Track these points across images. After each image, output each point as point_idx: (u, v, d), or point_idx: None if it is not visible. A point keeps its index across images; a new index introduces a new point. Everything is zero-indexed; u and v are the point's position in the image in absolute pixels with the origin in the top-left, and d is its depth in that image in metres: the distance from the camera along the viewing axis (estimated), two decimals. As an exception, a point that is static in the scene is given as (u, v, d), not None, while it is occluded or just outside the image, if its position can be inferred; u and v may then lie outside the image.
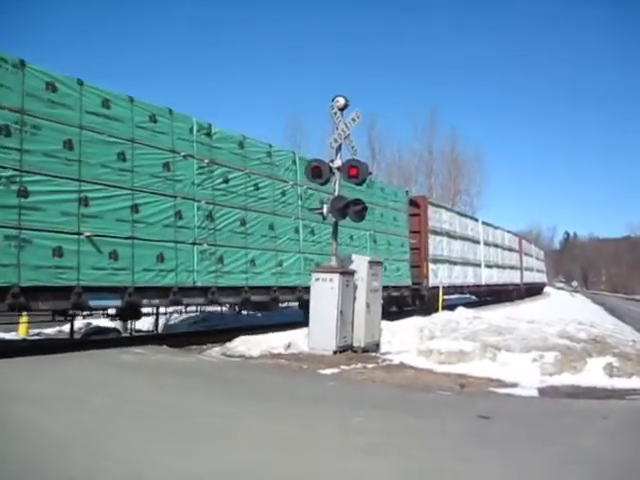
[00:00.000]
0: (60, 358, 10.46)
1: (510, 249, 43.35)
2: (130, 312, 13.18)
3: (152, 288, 12.22)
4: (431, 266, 25.93)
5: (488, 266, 36.91)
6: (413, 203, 26.13)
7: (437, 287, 26.08)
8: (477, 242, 34.81)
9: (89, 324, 14.02)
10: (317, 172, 13.06)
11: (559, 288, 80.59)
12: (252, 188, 15.33)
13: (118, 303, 11.64)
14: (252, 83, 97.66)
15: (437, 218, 27.33)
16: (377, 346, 12.61)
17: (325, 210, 11.26)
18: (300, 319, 16.77)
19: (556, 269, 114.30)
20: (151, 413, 6.73)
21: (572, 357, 10.58)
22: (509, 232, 43.68)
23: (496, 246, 39.00)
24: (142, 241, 12.12)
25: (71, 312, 12.83)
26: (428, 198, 27.65)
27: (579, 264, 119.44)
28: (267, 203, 15.72)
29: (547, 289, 60.51)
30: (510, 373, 10.38)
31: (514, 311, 22.39)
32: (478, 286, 33.05)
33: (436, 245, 26.87)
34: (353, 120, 11.51)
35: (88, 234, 11.21)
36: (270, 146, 15.88)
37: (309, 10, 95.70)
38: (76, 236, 11.00)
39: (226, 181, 14.54)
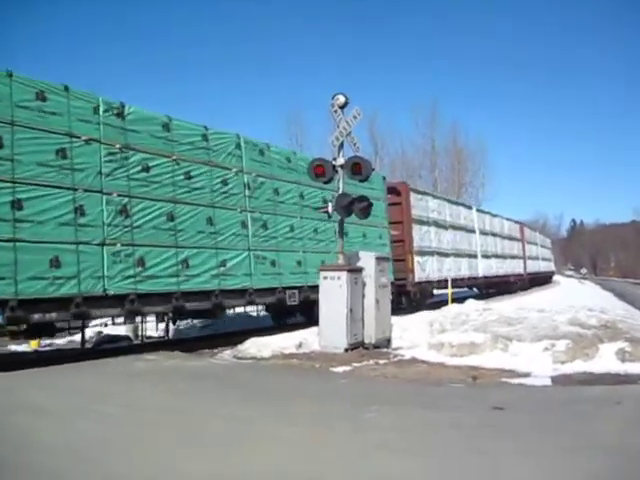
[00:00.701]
0: (71, 368, 10.46)
1: (510, 238, 42.20)
2: (35, 329, 11.97)
3: (45, 300, 10.32)
4: (417, 259, 24.16)
5: (485, 256, 35.34)
6: (393, 191, 24.23)
7: (427, 282, 24.99)
8: (472, 231, 33.20)
9: (100, 333, 13.86)
10: (320, 171, 13.01)
11: (568, 276, 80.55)
12: (182, 177, 13.56)
13: (-3, 319, 7.21)
14: (250, 82, 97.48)
15: (422, 206, 25.47)
16: (388, 342, 12.60)
17: (330, 208, 11.23)
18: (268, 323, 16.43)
19: (565, 257, 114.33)
20: (165, 419, 6.75)
21: (583, 344, 10.52)
22: (509, 220, 42.97)
23: (494, 235, 37.61)
24: (28, 243, 10.13)
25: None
26: (410, 184, 26.03)
27: (587, 251, 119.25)
28: (203, 194, 14.11)
29: (556, 277, 59.89)
30: (522, 363, 10.39)
31: (523, 301, 21.95)
32: (475, 278, 31.74)
33: (422, 236, 25.28)
34: (354, 117, 11.55)
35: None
36: (206, 128, 14.30)
37: (306, 6, 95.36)
38: None
39: (146, 169, 12.62)
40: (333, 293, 12.14)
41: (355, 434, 6.00)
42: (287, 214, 16.76)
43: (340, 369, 10.36)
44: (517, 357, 10.26)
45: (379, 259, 12.81)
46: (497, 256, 37.37)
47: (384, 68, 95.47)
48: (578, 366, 10.20)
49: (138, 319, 15.40)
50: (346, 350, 11.74)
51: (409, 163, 57.51)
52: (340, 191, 12.68)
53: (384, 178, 21.68)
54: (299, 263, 16.91)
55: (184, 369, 10.55)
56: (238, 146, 15.52)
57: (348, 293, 11.91)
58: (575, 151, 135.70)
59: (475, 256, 32.57)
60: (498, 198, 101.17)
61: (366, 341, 12.28)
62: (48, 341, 14.99)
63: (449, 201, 30.23)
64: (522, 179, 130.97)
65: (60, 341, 15.27)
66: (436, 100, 62.40)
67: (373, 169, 12.95)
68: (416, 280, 23.55)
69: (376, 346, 12.21)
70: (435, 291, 28.53)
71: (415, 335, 11.74)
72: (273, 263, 15.86)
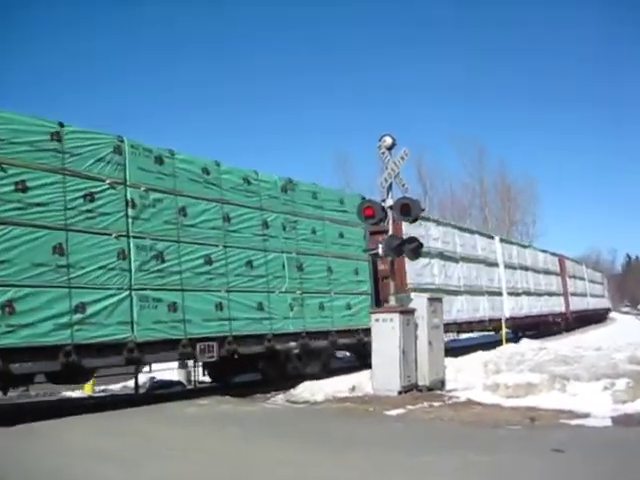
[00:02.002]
0: (127, 413, 11.74)
1: (547, 272, 39.66)
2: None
3: None
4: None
5: (513, 294, 31.94)
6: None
7: None
8: (494, 265, 30.54)
9: (153, 378, 14.10)
10: (370, 213, 14.33)
11: (624, 312, 78.46)
12: (10, 189, 10.88)
13: None
14: (293, 121, 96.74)
15: (421, 234, 21.29)
16: (442, 383, 13.98)
17: (381, 250, 11.17)
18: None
19: (620, 293, 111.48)
20: (220, 463, 7.57)
21: (645, 383, 10.08)
22: (545, 252, 41.72)
23: (525, 269, 35.03)
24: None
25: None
26: None
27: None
28: (49, 212, 11.30)
29: (613, 314, 57.68)
30: (581, 403, 10.98)
31: (578, 339, 21.38)
32: (498, 320, 28.42)
33: (420, 270, 21.87)
34: (402, 158, 12.73)
35: None
36: (61, 125, 11.89)
37: (348, 40, 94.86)
38: None
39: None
40: (385, 335, 13.15)
41: (413, 478, 6.60)
42: (200, 242, 14.08)
43: (394, 412, 11.21)
44: (575, 397, 11.85)
45: (431, 300, 14.46)
46: (529, 293, 34.91)
47: (428, 105, 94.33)
48: (640, 405, 12.04)
49: (190, 364, 16.31)
50: (399, 393, 12.81)
51: (458, 202, 62.54)
52: (389, 233, 14.47)
53: (363, 198, 18.66)
54: (219, 306, 14.09)
55: (237, 414, 11.75)
56: (118, 150, 12.77)
57: (401, 335, 13.03)
58: (627, 184, 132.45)
59: (499, 294, 30.00)
60: (550, 234, 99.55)
61: (420, 383, 13.45)
62: (102, 387, 17.42)
63: (460, 229, 28.24)
64: (574, 214, 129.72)
65: (114, 387, 17.53)
66: (482, 139, 61.85)
67: (423, 209, 12.85)
68: None
69: (430, 388, 13.44)
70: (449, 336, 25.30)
71: (469, 376, 12.43)
72: (173, 307, 13.10)
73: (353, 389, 13.64)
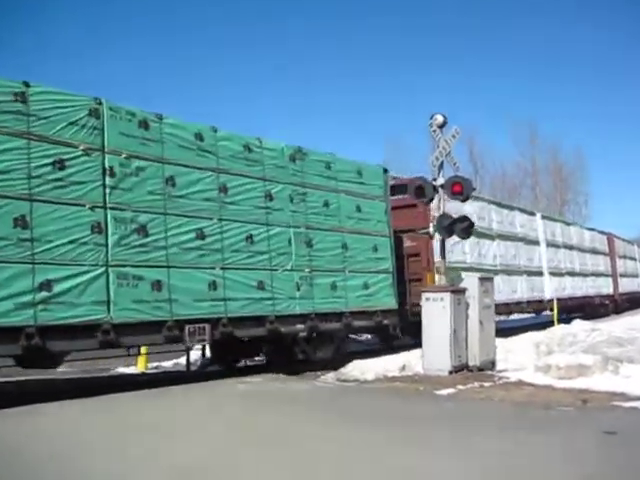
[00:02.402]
0: (180, 390, 12.04)
1: (594, 251, 37.44)
2: None
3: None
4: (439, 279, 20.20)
5: (556, 274, 29.98)
6: (407, 189, 19.60)
7: None
8: (535, 243, 28.96)
9: (204, 356, 16.42)
10: (421, 191, 14.58)
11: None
12: None
13: None
14: (347, 102, 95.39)
15: (453, 208, 19.20)
16: (492, 364, 14.40)
17: (432, 229, 11.15)
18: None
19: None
20: (270, 439, 7.82)
21: (700, 365, 10.21)
22: (592, 230, 39.75)
23: (570, 248, 33.12)
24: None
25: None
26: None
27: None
28: (12, 182, 9.99)
29: None
30: (634, 385, 10.83)
31: (632, 321, 20.77)
32: (539, 301, 27.78)
33: (451, 247, 19.79)
34: (453, 137, 12.85)
35: None
36: (27, 85, 10.65)
37: (401, 22, 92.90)
38: None
39: None
40: (436, 315, 13.47)
41: (462, 457, 6.58)
42: (191, 214, 12.91)
43: (444, 392, 11.44)
44: (629, 379, 11.38)
45: (483, 280, 14.93)
46: (574, 273, 33.26)
47: (482, 86, 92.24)
48: (695, 388, 9.99)
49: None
50: (450, 372, 13.23)
51: (509, 182, 64.39)
52: (441, 211, 14.92)
53: (385, 171, 18.67)
54: (212, 285, 12.85)
55: (287, 392, 12.12)
56: (94, 113, 11.61)
57: (451, 314, 13.34)
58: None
59: (540, 274, 28.50)
60: (603, 215, 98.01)
61: (470, 363, 13.85)
62: (155, 364, 17.73)
63: (498, 204, 26.60)
64: (627, 195, 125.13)
65: (166, 363, 17.88)
66: (535, 117, 60.35)
67: (474, 188, 12.74)
68: None
69: (480, 368, 13.83)
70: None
71: (520, 357, 12.58)
72: (157, 285, 11.96)
73: (403, 368, 14.29)
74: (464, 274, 15.73)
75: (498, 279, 23.13)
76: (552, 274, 29.78)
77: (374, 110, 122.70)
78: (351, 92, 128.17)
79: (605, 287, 38.03)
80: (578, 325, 19.12)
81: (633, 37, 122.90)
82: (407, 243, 19.26)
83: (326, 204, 15.67)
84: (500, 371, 13.87)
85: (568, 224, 35.80)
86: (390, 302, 17.13)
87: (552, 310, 28.89)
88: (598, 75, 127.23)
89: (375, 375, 13.61)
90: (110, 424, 9.00)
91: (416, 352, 14.67)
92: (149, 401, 11.04)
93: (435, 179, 14.85)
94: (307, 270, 14.83)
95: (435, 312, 13.64)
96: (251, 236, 13.69)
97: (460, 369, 13.84)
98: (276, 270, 14.02)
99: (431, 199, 14.94)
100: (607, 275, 39.30)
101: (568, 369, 12.22)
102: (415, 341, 15.44)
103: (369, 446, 7.58)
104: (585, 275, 34.92)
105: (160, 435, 8.17)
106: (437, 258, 19.00)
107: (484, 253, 23.39)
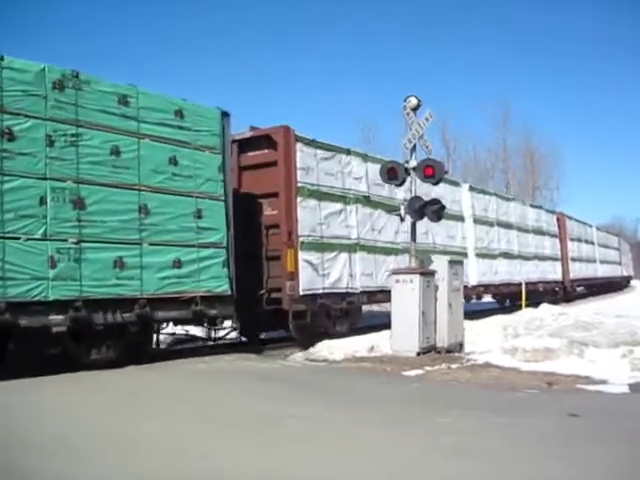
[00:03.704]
0: (144, 369, 11.61)
1: (539, 232, 33.96)
2: None
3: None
4: (304, 256, 15.99)
5: (484, 256, 26.59)
6: (264, 141, 16.13)
7: (329, 294, 16.50)
8: (458, 219, 24.90)
9: (173, 334, 16.44)
10: (393, 173, 14.75)
11: (647, 281, 77.92)
12: None
13: None
14: (322, 85, 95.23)
15: (325, 168, 17.04)
16: (461, 346, 14.81)
17: (402, 212, 11.20)
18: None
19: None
20: (237, 418, 7.87)
21: (664, 350, 10.51)
22: (536, 207, 36.50)
23: (505, 227, 29.57)
24: None
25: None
26: (295, 130, 16.33)
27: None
28: None
29: (634, 282, 56.97)
30: (599, 370, 11.31)
31: (598, 306, 21.21)
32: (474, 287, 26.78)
33: (323, 217, 16.80)
34: (426, 119, 12.69)
35: None
36: None
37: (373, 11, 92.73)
38: None
39: None
40: (405, 296, 13.69)
41: (428, 437, 6.80)
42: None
43: (412, 373, 11.79)
44: (593, 363, 13.00)
45: (452, 262, 15.15)
46: (510, 256, 29.79)
47: (454, 68, 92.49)
48: (658, 373, 14.76)
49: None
50: (418, 354, 13.52)
51: (482, 165, 59.18)
52: (412, 194, 15.20)
53: (225, 114, 14.42)
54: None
55: (256, 371, 12.06)
56: None
57: (421, 296, 13.57)
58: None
59: (464, 254, 24.22)
60: (573, 201, 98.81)
61: (438, 345, 14.18)
62: None
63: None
64: (598, 182, 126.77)
65: None
66: (508, 102, 61.08)
67: (446, 172, 12.80)
68: (300, 292, 15.83)
69: (448, 350, 14.17)
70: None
71: (488, 340, 12.50)
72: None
73: (372, 349, 14.63)
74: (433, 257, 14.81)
75: (398, 259, 19.51)
76: (480, 256, 25.96)
77: (348, 93, 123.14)
78: (324, 75, 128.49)
79: (551, 272, 34.92)
80: (545, 309, 19.60)
81: (614, 24, 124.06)
82: (267, 211, 16.04)
83: (115, 151, 11.92)
84: (468, 353, 14.13)
85: (507, 199, 31.88)
86: (220, 286, 13.64)
87: (480, 298, 26.49)
88: (579, 58, 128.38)
89: (344, 355, 13.84)
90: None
91: (384, 333, 14.83)
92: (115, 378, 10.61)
93: (407, 161, 14.72)
94: (72, 240, 11.17)
95: (404, 293, 13.70)
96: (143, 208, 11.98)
97: (428, 351, 14.09)
98: (15, 239, 10.23)
99: (403, 181, 14.76)
100: (555, 259, 36.03)
101: (534, 352, 12.56)
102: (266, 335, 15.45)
103: (328, 424, 7.27)
104: (526, 258, 31.52)
105: (124, 415, 7.74)
106: (304, 230, 16.05)
107: (377, 227, 18.86)
